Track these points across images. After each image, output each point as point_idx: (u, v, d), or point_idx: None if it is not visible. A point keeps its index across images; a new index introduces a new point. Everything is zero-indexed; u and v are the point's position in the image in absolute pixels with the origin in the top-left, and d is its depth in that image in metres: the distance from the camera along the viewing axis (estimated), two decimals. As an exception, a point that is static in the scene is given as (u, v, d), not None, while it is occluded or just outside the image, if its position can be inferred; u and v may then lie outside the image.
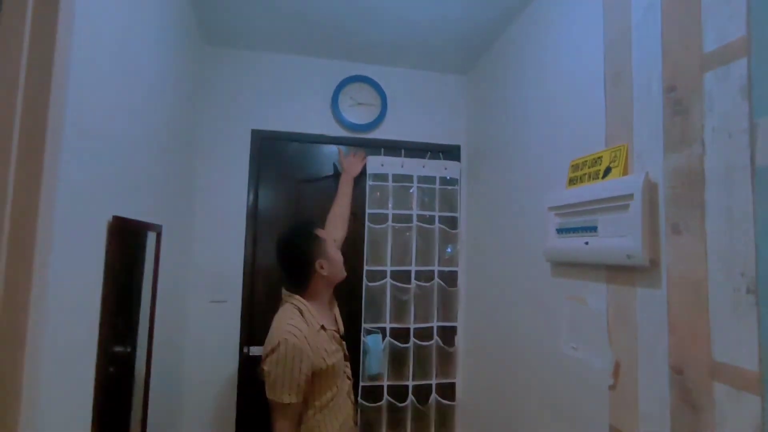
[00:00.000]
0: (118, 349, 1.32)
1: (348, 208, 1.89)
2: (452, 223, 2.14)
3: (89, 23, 0.87)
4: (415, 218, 2.07)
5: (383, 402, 1.98)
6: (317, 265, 1.43)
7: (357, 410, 1.48)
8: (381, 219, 2.05)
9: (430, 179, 2.12)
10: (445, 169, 2.14)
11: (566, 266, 1.30)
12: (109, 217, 1.00)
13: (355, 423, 1.48)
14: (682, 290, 0.88)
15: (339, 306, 1.59)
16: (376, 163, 2.06)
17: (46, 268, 0.77)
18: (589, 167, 1.20)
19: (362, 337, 1.97)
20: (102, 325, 1.03)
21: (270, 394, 1.26)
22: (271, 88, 2.05)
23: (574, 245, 1.20)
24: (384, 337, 1.98)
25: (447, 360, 2.10)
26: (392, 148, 2.13)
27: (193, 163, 1.92)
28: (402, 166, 2.09)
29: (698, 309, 0.84)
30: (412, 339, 2.02)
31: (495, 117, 1.90)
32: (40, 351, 0.77)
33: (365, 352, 1.96)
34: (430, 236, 2.09)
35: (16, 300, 0.74)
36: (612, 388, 1.08)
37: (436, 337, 2.05)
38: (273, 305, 1.74)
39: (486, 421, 1.82)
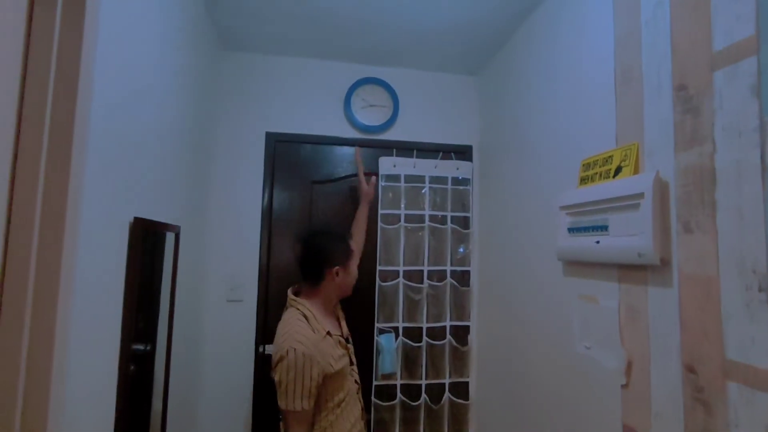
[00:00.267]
0: (138, 347, 1.36)
1: (365, 234, 1.88)
2: (464, 223, 2.14)
3: (112, 34, 0.91)
4: (427, 218, 2.08)
5: (396, 401, 1.99)
6: (334, 270, 1.44)
7: (364, 413, 1.49)
8: (393, 219, 2.07)
9: (442, 179, 2.13)
10: (457, 169, 2.15)
11: (578, 265, 1.30)
12: (131, 219, 1.04)
13: (366, 424, 1.47)
14: (693, 289, 0.88)
15: (352, 305, 1.62)
16: (388, 164, 2.08)
17: (72, 268, 0.81)
18: (600, 166, 1.20)
19: (375, 337, 1.99)
20: (124, 323, 1.07)
21: (282, 403, 1.26)
22: (284, 91, 2.09)
23: (586, 244, 1.21)
24: (397, 336, 2.00)
25: (460, 359, 2.10)
26: (404, 148, 2.15)
27: (210, 166, 1.96)
28: (414, 167, 2.11)
29: (710, 307, 0.84)
30: (424, 338, 2.03)
31: (506, 117, 1.90)
32: (67, 348, 0.81)
33: (379, 352, 1.98)
34: (442, 236, 2.11)
35: (45, 298, 0.78)
36: (624, 386, 1.08)
37: (449, 336, 2.06)
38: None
39: (499, 420, 1.82)
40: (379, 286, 2.02)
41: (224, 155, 2.01)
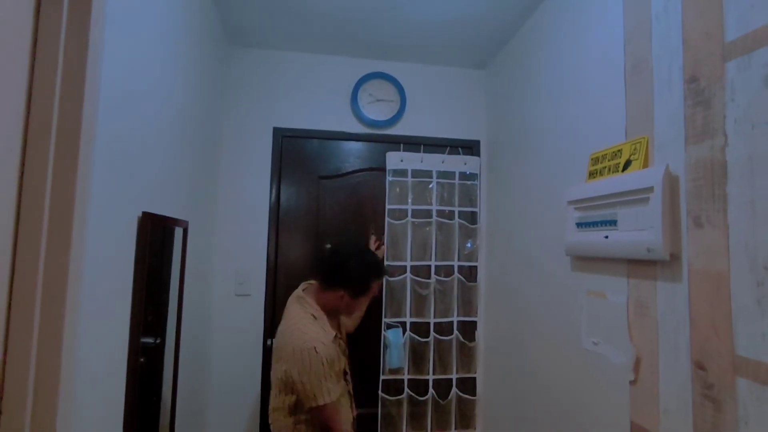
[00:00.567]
0: (148, 340, 1.37)
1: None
2: (472, 218, 2.13)
3: (118, 29, 0.92)
4: (434, 213, 2.07)
5: (404, 395, 2.00)
6: (342, 293, 1.42)
7: (355, 409, 1.51)
8: (401, 214, 2.07)
9: (449, 174, 2.12)
10: (465, 164, 2.14)
11: (586, 260, 1.29)
12: (139, 213, 1.05)
13: (354, 421, 1.49)
14: (703, 284, 0.87)
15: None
16: (395, 159, 2.08)
17: (81, 262, 0.82)
18: (608, 160, 1.18)
19: (383, 331, 1.99)
20: (133, 316, 1.08)
21: (310, 404, 1.26)
22: (291, 87, 2.09)
23: (594, 239, 1.19)
24: (404, 331, 2.00)
25: (467, 355, 2.10)
26: (411, 143, 2.14)
27: (218, 161, 1.97)
28: (421, 162, 2.10)
29: (720, 303, 0.83)
30: (432, 333, 2.03)
31: (514, 111, 1.89)
32: (76, 340, 0.82)
33: (386, 346, 1.98)
34: (449, 231, 2.10)
35: (54, 291, 0.79)
36: (633, 383, 1.07)
37: (456, 331, 2.06)
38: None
39: (507, 415, 1.82)
40: (387, 281, 2.02)
41: (232, 150, 2.02)
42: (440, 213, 2.09)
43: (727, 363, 0.80)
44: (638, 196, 1.02)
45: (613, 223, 1.12)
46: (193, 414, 1.73)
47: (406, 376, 2.01)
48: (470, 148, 2.20)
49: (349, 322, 1.70)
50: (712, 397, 0.83)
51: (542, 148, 1.61)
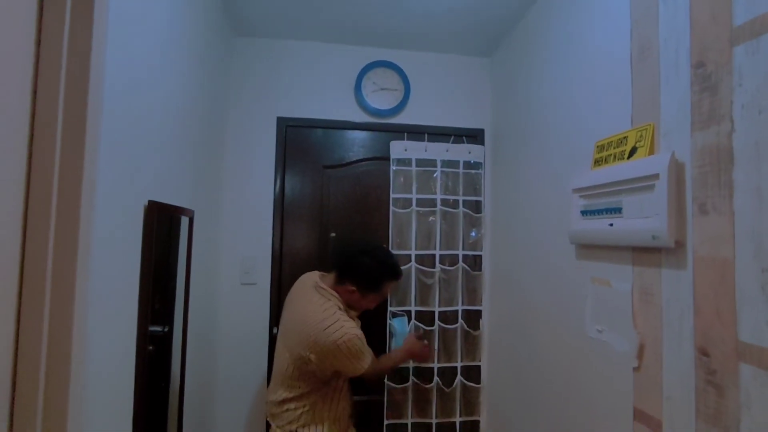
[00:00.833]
0: (156, 328, 1.39)
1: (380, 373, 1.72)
2: (476, 207, 2.13)
3: (122, 20, 0.92)
4: (439, 202, 2.07)
5: (409, 383, 2.02)
6: (353, 287, 1.50)
7: (352, 402, 1.62)
8: (405, 203, 2.07)
9: (453, 163, 2.12)
10: (469, 153, 2.13)
11: (591, 248, 1.29)
12: (145, 202, 1.06)
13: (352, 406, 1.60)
14: (708, 271, 0.87)
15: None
16: (399, 148, 2.08)
17: (88, 251, 0.83)
18: (614, 148, 1.18)
19: (388, 320, 2.00)
20: (140, 304, 1.09)
21: (356, 373, 1.44)
22: (295, 76, 2.08)
23: (599, 227, 1.19)
24: (409, 320, 2.01)
25: (472, 343, 2.11)
26: (416, 132, 2.13)
27: (222, 151, 1.98)
28: (425, 151, 2.10)
29: (725, 290, 0.82)
30: (437, 322, 2.04)
31: (519, 99, 1.87)
32: (86, 328, 0.83)
33: (392, 335, 1.99)
34: (454, 220, 2.10)
35: (63, 279, 0.80)
36: (636, 370, 1.07)
37: (460, 320, 2.07)
38: (300, 288, 1.79)
39: (511, 403, 1.83)
40: (391, 270, 2.02)
41: (236, 140, 2.03)
42: (444, 202, 2.09)
43: (731, 349, 0.80)
44: (644, 184, 1.02)
45: (618, 210, 1.12)
46: (201, 400, 1.76)
47: (411, 365, 2.03)
48: (475, 137, 2.19)
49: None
50: (715, 383, 0.83)
51: (547, 136, 1.61)
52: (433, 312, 2.05)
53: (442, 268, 2.07)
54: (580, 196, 1.29)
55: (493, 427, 2.03)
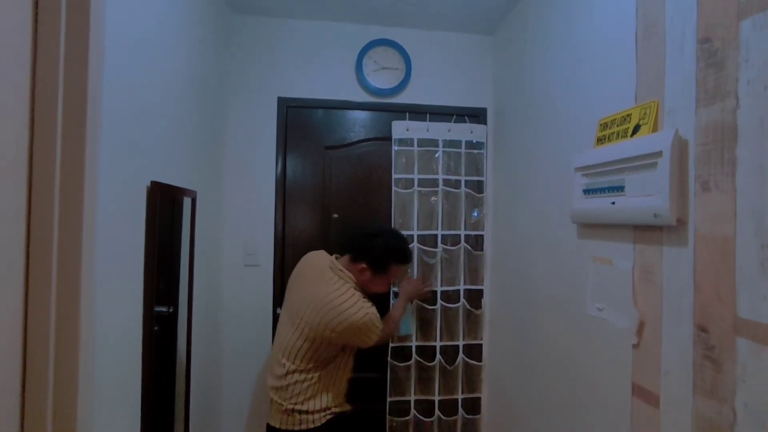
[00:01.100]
0: (161, 308, 1.41)
1: (389, 333, 1.80)
2: (478, 187, 2.13)
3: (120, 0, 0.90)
4: (441, 182, 2.07)
5: (412, 361, 2.05)
6: (363, 266, 1.56)
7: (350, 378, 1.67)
8: (407, 184, 2.07)
9: (455, 143, 2.11)
10: (471, 132, 2.12)
11: (592, 227, 1.29)
12: (148, 183, 1.06)
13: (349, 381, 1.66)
14: (709, 248, 0.87)
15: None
16: (401, 128, 2.06)
17: (93, 231, 0.84)
18: (617, 125, 1.17)
19: (391, 300, 2.02)
20: (146, 285, 1.11)
21: (368, 345, 1.54)
22: (295, 55, 2.06)
23: (601, 206, 1.19)
24: (412, 299, 2.03)
25: (474, 322, 2.14)
26: (417, 112, 2.11)
27: (223, 132, 1.97)
28: (427, 131, 2.08)
29: (725, 267, 0.83)
30: (439, 301, 2.06)
31: (522, 77, 1.85)
32: (93, 310, 0.84)
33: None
34: (456, 200, 2.10)
35: (69, 261, 0.81)
36: (636, 346, 1.09)
37: (462, 299, 2.09)
38: (303, 268, 1.81)
39: (512, 380, 1.87)
40: (393, 250, 2.03)
41: (237, 121, 2.02)
42: (446, 182, 2.09)
43: (729, 325, 0.81)
44: (646, 161, 1.01)
45: (620, 189, 1.12)
46: (207, 379, 1.79)
47: (414, 343, 2.06)
48: (477, 116, 2.17)
49: None
50: (713, 358, 0.85)
51: (550, 115, 1.59)
52: (436, 292, 2.07)
53: (444, 248, 2.08)
54: (583, 175, 1.29)
55: (494, 403, 2.07)
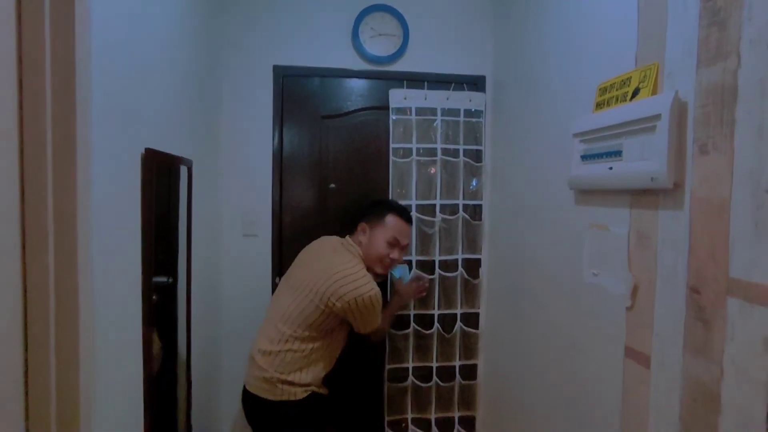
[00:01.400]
0: (161, 279, 1.42)
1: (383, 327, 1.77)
2: (477, 156, 2.11)
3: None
4: (439, 152, 2.06)
5: (410, 330, 2.08)
6: (360, 226, 1.67)
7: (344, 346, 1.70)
8: (405, 153, 2.05)
9: (454, 112, 2.08)
10: (470, 100, 2.09)
11: (590, 194, 1.29)
12: (142, 150, 1.05)
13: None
14: (705, 211, 0.87)
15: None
16: (398, 97, 2.03)
17: (88, 200, 0.83)
18: (617, 89, 1.15)
19: (390, 270, 2.03)
20: (144, 254, 1.10)
21: (366, 330, 1.58)
22: (290, 21, 2.01)
23: (598, 171, 1.19)
24: (411, 268, 2.05)
25: (471, 291, 2.16)
26: (415, 80, 2.08)
27: (219, 101, 1.95)
28: (425, 99, 2.05)
29: (720, 229, 0.83)
30: (437, 270, 2.08)
31: (521, 44, 1.81)
32: (90, 279, 0.84)
33: (393, 284, 2.03)
34: (454, 170, 2.09)
35: (65, 231, 0.80)
36: (629, 309, 1.10)
37: (461, 269, 2.11)
38: (301, 239, 1.83)
39: (507, 347, 1.90)
40: (392, 220, 2.04)
41: (233, 90, 1.99)
42: (445, 151, 2.07)
43: (721, 286, 0.82)
44: (645, 125, 1.00)
45: (618, 154, 1.11)
46: (208, 348, 1.83)
47: (412, 312, 2.08)
48: (475, 84, 2.13)
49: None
50: (704, 319, 0.86)
51: (549, 82, 1.57)
52: (434, 261, 2.08)
53: (442, 218, 2.08)
54: (581, 141, 1.28)
55: (490, 369, 2.12)
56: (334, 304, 1.46)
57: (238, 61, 1.98)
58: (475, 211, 2.14)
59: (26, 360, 0.79)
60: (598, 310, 1.24)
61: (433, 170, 2.08)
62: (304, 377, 1.50)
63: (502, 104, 2.03)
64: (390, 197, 2.02)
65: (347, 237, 1.70)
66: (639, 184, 1.03)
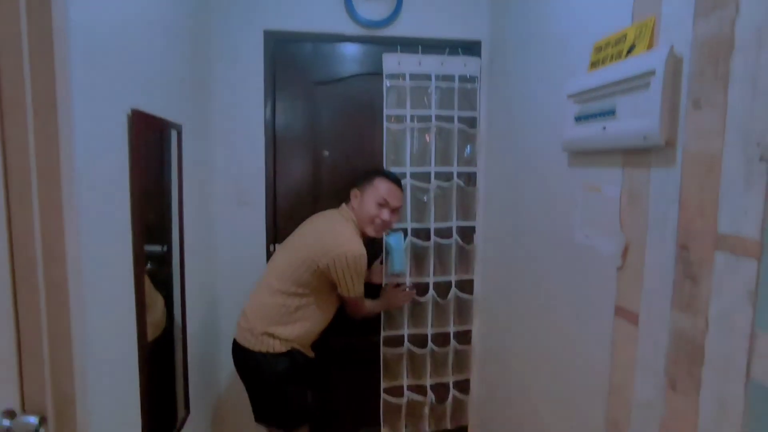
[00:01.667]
0: (154, 248, 1.41)
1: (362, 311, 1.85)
2: (471, 122, 2.09)
3: None
4: (433, 118, 2.03)
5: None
6: (352, 193, 1.75)
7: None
8: (399, 120, 2.03)
9: (448, 77, 2.04)
10: (465, 65, 2.05)
11: (583, 155, 1.28)
12: (128, 110, 1.03)
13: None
14: (696, 167, 0.87)
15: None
16: (392, 62, 1.99)
17: (72, 163, 0.81)
18: (612, 47, 1.13)
19: (384, 237, 2.03)
20: (134, 221, 1.08)
21: (350, 294, 1.64)
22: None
23: (592, 132, 1.17)
24: (405, 236, 2.05)
25: (466, 257, 2.17)
26: (409, 44, 2.03)
27: (209, 66, 1.90)
28: (419, 64, 2.01)
29: (710, 185, 0.83)
30: (432, 238, 2.09)
31: (518, 5, 1.77)
32: (79, 244, 0.82)
33: (388, 252, 2.04)
34: (449, 136, 2.07)
35: (50, 196, 0.79)
36: (620, 269, 1.11)
37: (455, 236, 2.11)
38: (296, 207, 1.83)
39: (501, 312, 1.92)
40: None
41: (223, 56, 1.94)
42: (439, 117, 2.04)
43: (709, 241, 0.82)
44: (639, 82, 0.99)
45: (611, 113, 1.10)
46: (204, 315, 1.84)
47: (408, 279, 2.09)
48: (470, 49, 2.09)
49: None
50: (692, 275, 0.87)
51: (545, 44, 1.54)
52: (429, 228, 2.08)
53: (437, 185, 2.07)
54: (575, 102, 1.26)
55: (484, 334, 2.15)
56: (320, 260, 1.55)
57: (228, 26, 1.93)
58: (470, 178, 2.12)
59: (18, 340, 0.78)
60: (589, 271, 1.25)
61: (427, 137, 2.05)
62: (286, 332, 1.59)
63: (497, 69, 2.00)
64: (384, 164, 2.01)
65: (342, 205, 1.77)
66: (632, 142, 1.02)
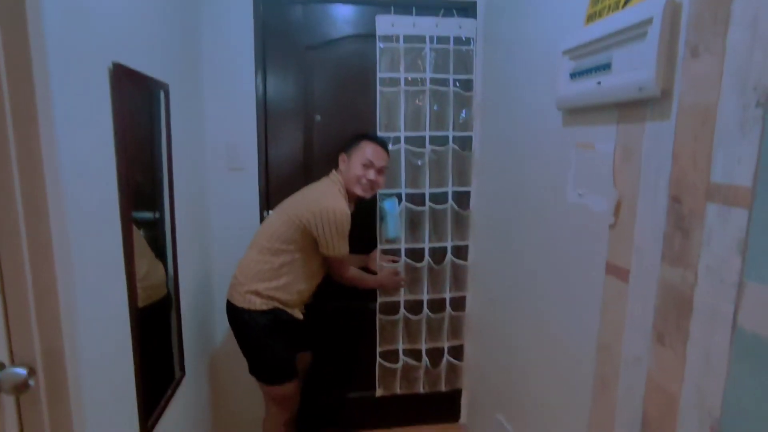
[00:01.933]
0: (146, 214, 1.40)
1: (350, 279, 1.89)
2: (467, 85, 2.05)
3: None
4: (428, 81, 1.99)
5: (401, 262, 2.11)
6: (340, 158, 1.79)
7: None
8: (393, 83, 1.98)
9: (443, 39, 1.99)
10: (460, 27, 1.99)
11: (577, 112, 1.26)
12: (109, 64, 0.99)
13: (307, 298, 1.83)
14: (691, 117, 0.85)
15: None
16: (386, 23, 1.93)
17: (51, 121, 0.78)
18: (609, -2, 1.09)
19: (378, 202, 2.02)
20: (120, 184, 1.05)
21: (330, 252, 1.67)
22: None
23: (587, 88, 1.15)
24: (400, 201, 2.04)
25: (461, 223, 2.17)
26: (403, 5, 1.96)
27: (198, 28, 1.85)
28: (414, 26, 1.96)
29: (704, 134, 0.81)
30: (427, 203, 2.07)
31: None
32: (64, 211, 0.81)
33: (382, 217, 2.03)
34: (444, 100, 2.03)
35: (31, 163, 0.76)
36: (612, 226, 1.10)
37: (450, 201, 2.10)
38: (288, 172, 1.81)
39: (495, 277, 1.93)
40: (380, 153, 2.00)
41: (213, 19, 1.88)
42: (434, 81, 2.00)
43: (701, 191, 0.81)
44: (636, 32, 0.95)
45: (607, 67, 1.07)
46: (200, 279, 1.85)
47: (403, 245, 2.10)
48: (465, 10, 2.03)
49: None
50: (683, 227, 0.86)
51: (540, 2, 1.48)
52: (424, 194, 2.07)
53: (432, 149, 2.05)
54: (570, 58, 1.23)
55: (478, 300, 2.17)
56: (303, 215, 1.61)
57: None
58: (465, 143, 2.10)
59: (3, 293, 0.77)
60: (582, 230, 1.24)
61: (419, 101, 2.01)
62: (269, 290, 1.64)
63: (493, 31, 1.94)
64: (377, 129, 1.98)
65: (332, 171, 1.80)
66: (627, 95, 0.99)
